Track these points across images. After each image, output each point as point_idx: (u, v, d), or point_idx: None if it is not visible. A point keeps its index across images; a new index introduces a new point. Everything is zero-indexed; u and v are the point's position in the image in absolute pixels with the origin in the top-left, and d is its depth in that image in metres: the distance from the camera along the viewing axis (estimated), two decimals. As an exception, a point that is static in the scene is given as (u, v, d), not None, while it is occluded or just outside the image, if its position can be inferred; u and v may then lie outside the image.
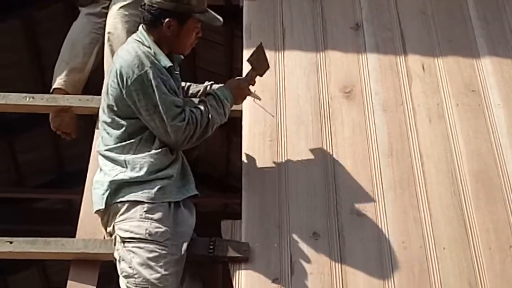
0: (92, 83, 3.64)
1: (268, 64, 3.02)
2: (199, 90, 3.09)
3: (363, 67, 3.32)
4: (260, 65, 3.00)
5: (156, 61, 2.70)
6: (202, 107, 2.75)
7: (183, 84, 3.07)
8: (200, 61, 6.13)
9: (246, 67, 3.26)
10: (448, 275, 2.75)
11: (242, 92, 2.93)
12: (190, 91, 3.11)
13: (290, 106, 3.19)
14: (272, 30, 3.44)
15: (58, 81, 3.41)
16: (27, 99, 3.22)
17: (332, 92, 3.24)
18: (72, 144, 6.59)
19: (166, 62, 2.73)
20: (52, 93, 3.38)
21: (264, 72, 3.03)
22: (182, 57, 2.95)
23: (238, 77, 3.01)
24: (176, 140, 2.69)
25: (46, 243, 2.78)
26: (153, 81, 2.64)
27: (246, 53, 3.34)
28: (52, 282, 7.68)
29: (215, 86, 3.03)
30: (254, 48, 3.02)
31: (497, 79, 3.31)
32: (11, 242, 2.78)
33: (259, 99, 3.06)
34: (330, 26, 3.45)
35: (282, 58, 3.35)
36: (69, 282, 2.75)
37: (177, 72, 2.86)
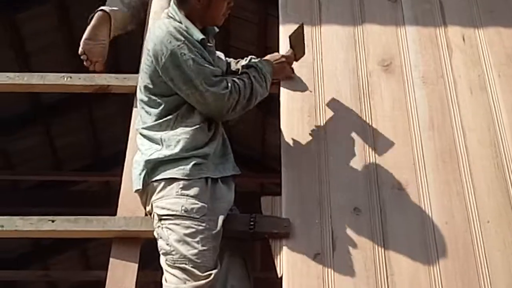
0: (129, 61, 3.64)
1: (304, 51, 3.02)
2: (239, 69, 3.07)
3: (401, 40, 3.26)
4: (298, 46, 3.00)
5: (188, 35, 2.68)
6: (245, 78, 2.74)
7: (222, 56, 3.06)
8: (233, 40, 6.11)
9: (282, 44, 3.24)
10: (492, 249, 2.70)
11: (282, 67, 2.94)
12: (231, 68, 3.09)
13: (328, 81, 3.15)
14: (309, 4, 3.38)
15: (103, 7, 3.36)
16: (65, 78, 3.22)
17: (370, 66, 3.19)
18: (108, 126, 6.67)
19: (198, 35, 2.71)
20: (94, 13, 3.32)
21: (300, 56, 3.04)
22: (217, 29, 2.91)
23: (278, 53, 3.00)
24: (218, 109, 2.67)
25: (88, 221, 2.80)
26: (186, 55, 2.63)
27: (283, 29, 3.32)
28: (92, 264, 7.78)
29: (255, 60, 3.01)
30: (293, 25, 2.99)
31: (540, 48, 3.23)
32: (53, 221, 2.79)
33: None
34: (367, -1, 3.40)
35: (319, 33, 3.30)
36: (111, 259, 2.76)
37: (211, 45, 2.84)
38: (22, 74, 3.29)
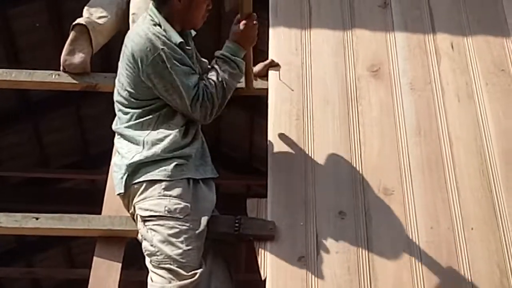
0: (116, 62, 3.63)
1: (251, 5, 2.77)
2: None
3: (391, 45, 3.28)
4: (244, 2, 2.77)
5: (167, 40, 2.66)
6: (214, 78, 2.71)
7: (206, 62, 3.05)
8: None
9: (272, 49, 3.24)
10: (476, 256, 2.71)
11: (247, 36, 2.79)
12: None
13: (316, 85, 3.16)
14: (299, 8, 3.40)
15: (80, 19, 3.33)
16: (53, 76, 3.22)
17: (359, 71, 3.20)
18: (97, 125, 6.64)
19: (176, 38, 2.70)
20: (72, 29, 3.30)
21: (248, 12, 2.78)
22: (194, 32, 2.90)
23: (235, 24, 2.80)
24: (199, 117, 2.70)
25: (72, 219, 2.79)
26: (167, 63, 2.63)
27: (273, 32, 3.32)
28: (77, 262, 7.75)
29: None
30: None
31: (528, 58, 3.25)
32: (37, 218, 2.79)
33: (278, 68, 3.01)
34: (357, 4, 3.41)
35: (309, 37, 3.31)
36: (95, 258, 2.76)
37: (189, 48, 2.81)
38: (10, 71, 3.28)
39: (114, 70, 3.46)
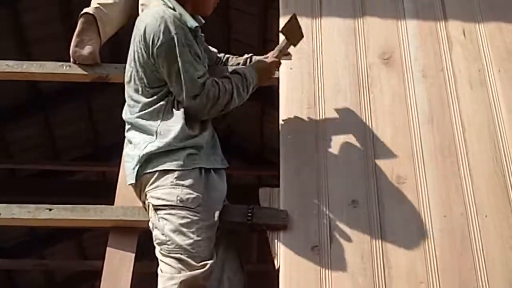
0: (126, 53, 3.62)
1: (302, 34, 2.97)
2: (239, 63, 3.07)
3: (402, 33, 3.26)
4: (294, 35, 2.96)
5: (181, 24, 2.67)
6: (227, 85, 2.71)
7: (220, 55, 3.07)
8: (234, 33, 6.10)
9: (282, 37, 3.22)
10: (490, 243, 2.70)
11: (269, 73, 2.92)
12: (230, 63, 3.09)
13: (328, 74, 3.14)
14: (309, -3, 3.39)
15: (88, 8, 3.31)
16: (64, 67, 3.22)
17: (370, 59, 3.18)
18: (108, 117, 6.66)
19: (192, 23, 2.71)
20: (79, 19, 3.28)
21: (298, 42, 2.99)
22: (203, 20, 2.90)
23: (266, 56, 2.95)
24: (195, 109, 2.67)
25: (85, 210, 2.79)
26: (177, 48, 2.62)
27: (282, 21, 3.29)
28: (88, 254, 7.78)
29: (255, 58, 3.01)
30: (288, 17, 2.98)
31: (541, 44, 3.23)
32: (50, 210, 2.79)
33: (290, 57, 3.02)
34: (368, -9, 3.39)
35: (320, 25, 3.29)
36: (108, 249, 2.76)
37: (202, 35, 2.83)
38: (21, 62, 3.28)
39: (124, 61, 3.46)
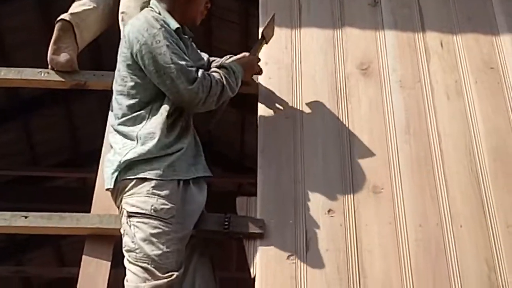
0: (107, 60, 3.62)
1: (273, 32, 3.09)
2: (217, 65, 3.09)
3: (380, 44, 3.28)
4: (269, 34, 3.07)
5: (165, 24, 2.71)
6: (216, 75, 2.75)
7: (205, 56, 3.08)
8: (215, 40, 6.11)
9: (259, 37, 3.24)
10: (465, 253, 2.72)
11: (252, 68, 2.97)
12: (213, 65, 3.10)
13: (306, 83, 3.16)
14: (288, 6, 3.40)
15: (64, 14, 3.30)
16: (42, 74, 3.21)
17: (349, 69, 3.20)
18: (87, 123, 6.63)
19: (174, 24, 2.75)
20: (55, 23, 3.27)
21: (270, 39, 3.09)
22: (192, 34, 2.93)
23: (244, 55, 3.01)
24: (189, 100, 2.66)
25: (61, 218, 2.78)
26: (162, 41, 2.64)
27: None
28: (67, 260, 7.73)
29: (233, 58, 3.03)
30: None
31: (517, 56, 3.26)
32: (26, 217, 2.78)
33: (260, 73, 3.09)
34: (347, 2, 3.41)
35: (298, 35, 3.31)
36: (84, 257, 2.75)
37: (186, 37, 2.86)
38: (-1, 69, 3.27)
39: (104, 68, 3.46)
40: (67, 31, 3.26)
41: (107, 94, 3.26)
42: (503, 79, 3.19)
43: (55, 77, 3.22)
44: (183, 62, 2.65)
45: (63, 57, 3.21)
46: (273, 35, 3.10)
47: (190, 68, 2.66)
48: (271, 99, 3.11)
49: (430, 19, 3.39)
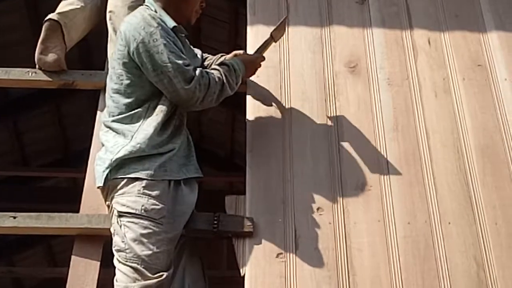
0: (96, 60, 3.62)
1: (284, 31, 3.10)
2: (211, 63, 3.09)
3: (368, 42, 3.29)
4: (278, 34, 3.06)
5: (162, 22, 2.70)
6: (216, 73, 2.75)
7: (198, 52, 3.07)
8: (205, 39, 6.10)
9: (250, 47, 3.24)
10: (453, 251, 2.73)
11: (254, 66, 2.97)
12: (206, 63, 3.10)
13: (294, 82, 3.16)
14: (277, 5, 3.40)
15: (52, 14, 3.30)
16: (30, 74, 3.20)
17: (337, 67, 3.21)
18: (77, 123, 6.62)
19: (171, 22, 2.75)
20: (43, 23, 3.27)
21: (280, 38, 3.10)
22: (186, 32, 2.92)
23: (251, 53, 3.03)
24: (187, 99, 2.67)
25: (50, 218, 2.78)
26: (159, 40, 2.64)
27: (250, 30, 3.33)
28: (58, 260, 7.72)
29: (228, 57, 3.04)
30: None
31: (504, 53, 3.27)
32: (14, 217, 2.77)
33: None
34: (335, 0, 3.41)
35: (287, 34, 3.29)
36: (73, 257, 2.75)
37: (183, 35, 2.86)
38: (-14, 69, 3.26)
39: (93, 67, 3.46)
40: (55, 31, 3.25)
41: (97, 93, 3.26)
42: (491, 77, 3.20)
43: (43, 76, 3.21)
44: (180, 61, 2.64)
45: (51, 57, 3.20)
46: (282, 36, 3.10)
47: (187, 67, 2.66)
48: (260, 98, 3.11)
49: (417, 16, 3.39)
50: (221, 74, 2.75)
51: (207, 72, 2.72)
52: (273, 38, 3.04)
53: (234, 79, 2.80)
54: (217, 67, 2.81)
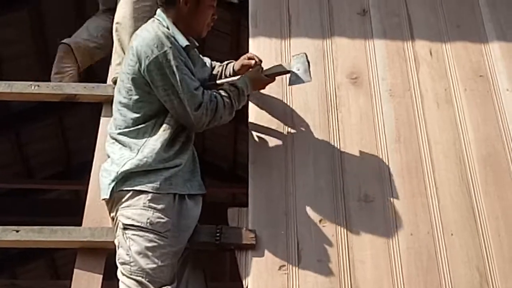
0: (99, 72, 3.63)
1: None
2: (221, 70, 3.10)
3: (370, 53, 3.30)
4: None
5: (175, 41, 2.70)
6: (226, 98, 2.77)
7: (207, 61, 3.08)
8: (207, 51, 6.11)
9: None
10: (456, 262, 2.73)
11: (259, 87, 3.01)
12: (214, 71, 3.10)
13: (297, 94, 3.16)
14: (278, 17, 3.41)
15: (66, 39, 3.57)
16: (33, 87, 3.21)
17: (339, 79, 3.21)
18: (80, 135, 6.62)
19: (183, 41, 2.74)
20: (58, 45, 3.54)
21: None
22: (197, 44, 2.93)
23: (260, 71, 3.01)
24: (193, 123, 2.70)
25: (52, 231, 2.78)
26: (172, 61, 2.64)
27: (252, 42, 3.33)
28: (61, 273, 7.70)
29: (231, 65, 3.05)
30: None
31: (506, 64, 3.28)
32: (17, 231, 2.77)
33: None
34: (336, 12, 3.42)
35: (289, 46, 3.32)
36: (75, 270, 2.74)
37: (194, 53, 2.87)
38: (-12, 82, 3.27)
39: (96, 80, 3.48)
40: (68, 53, 3.49)
41: (100, 106, 3.27)
42: (493, 87, 3.21)
43: (45, 90, 3.22)
44: (191, 85, 2.67)
45: (66, 78, 3.44)
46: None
47: (196, 92, 2.67)
48: (262, 110, 3.11)
49: (419, 27, 3.40)
50: (230, 99, 2.78)
51: (215, 96, 2.74)
52: (288, 71, 3.00)
53: (241, 101, 2.85)
54: (227, 89, 2.82)
